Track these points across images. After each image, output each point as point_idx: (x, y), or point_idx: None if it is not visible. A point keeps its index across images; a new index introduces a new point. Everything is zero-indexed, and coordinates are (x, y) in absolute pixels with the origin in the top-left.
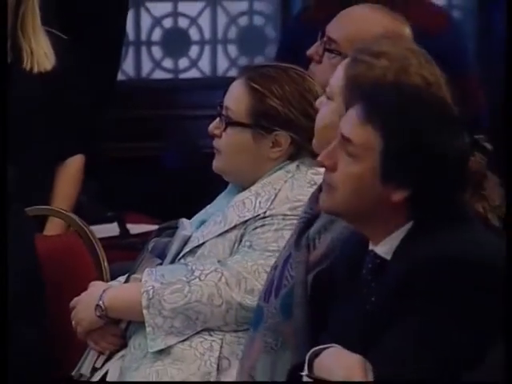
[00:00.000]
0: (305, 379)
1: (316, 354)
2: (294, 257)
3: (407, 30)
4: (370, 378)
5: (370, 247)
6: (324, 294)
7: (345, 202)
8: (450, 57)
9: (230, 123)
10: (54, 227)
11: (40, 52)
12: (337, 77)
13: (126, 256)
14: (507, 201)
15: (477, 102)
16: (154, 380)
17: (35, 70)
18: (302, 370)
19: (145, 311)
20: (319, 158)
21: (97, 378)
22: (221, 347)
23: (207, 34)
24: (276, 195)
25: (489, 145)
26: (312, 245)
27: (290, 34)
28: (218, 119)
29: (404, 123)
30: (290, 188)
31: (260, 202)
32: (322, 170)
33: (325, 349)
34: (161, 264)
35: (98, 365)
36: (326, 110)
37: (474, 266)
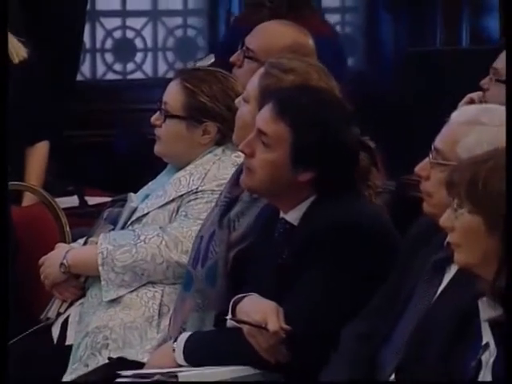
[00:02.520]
0: (228, 322)
1: (237, 301)
2: (217, 234)
3: (310, 41)
4: (282, 320)
5: (281, 215)
6: (243, 267)
7: (261, 182)
8: (336, 61)
9: (168, 116)
10: (28, 200)
11: (15, 45)
12: (252, 84)
13: (84, 223)
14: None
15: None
16: (107, 321)
17: (15, 61)
18: (226, 315)
19: (100, 268)
20: (240, 147)
21: (60, 320)
22: (162, 296)
23: (149, 43)
24: (206, 174)
25: (372, 143)
26: (232, 226)
27: (230, 34)
28: (158, 112)
29: (309, 118)
30: (217, 168)
31: (193, 180)
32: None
33: (245, 297)
34: (113, 230)
35: (61, 310)
36: (243, 111)
37: (363, 229)
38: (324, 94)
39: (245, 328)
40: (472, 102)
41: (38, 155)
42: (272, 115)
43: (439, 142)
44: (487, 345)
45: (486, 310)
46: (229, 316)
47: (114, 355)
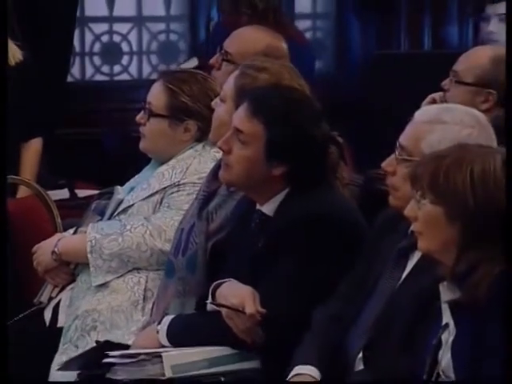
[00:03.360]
0: (208, 306)
1: (217, 287)
2: (197, 226)
3: (283, 45)
4: (258, 304)
5: (257, 207)
6: (221, 256)
7: (238, 177)
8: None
9: (152, 115)
10: (22, 192)
11: (12, 48)
12: (228, 84)
13: (74, 214)
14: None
15: None
16: (95, 305)
17: (12, 63)
18: (206, 300)
19: (89, 255)
20: (218, 144)
21: (52, 304)
22: (146, 282)
23: (135, 47)
24: (187, 168)
25: (341, 139)
26: (211, 218)
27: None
28: (143, 111)
29: (282, 117)
30: (198, 163)
31: (175, 173)
32: None
33: (223, 282)
34: (101, 220)
35: (53, 294)
36: (220, 111)
37: (334, 219)
38: (295, 93)
39: (223, 311)
40: (434, 101)
41: (32, 151)
42: (247, 114)
43: (404, 139)
44: (447, 325)
45: (446, 293)
46: (209, 300)
47: (102, 336)
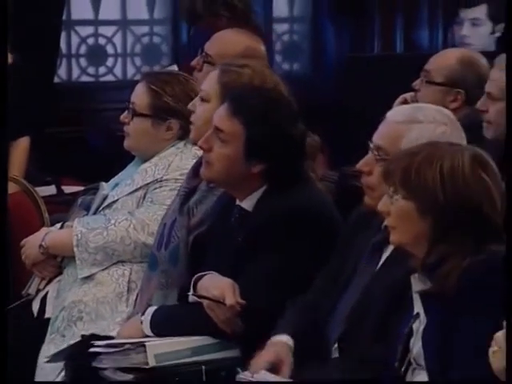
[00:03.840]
0: (190, 297)
1: (198, 279)
2: (178, 221)
3: (262, 47)
4: (238, 295)
5: (237, 203)
6: (202, 249)
7: (219, 174)
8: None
9: (136, 114)
10: (11, 189)
11: None
12: (210, 84)
13: (61, 209)
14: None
15: None
16: (81, 296)
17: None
18: (188, 292)
19: (75, 249)
20: (199, 144)
21: (40, 296)
22: (130, 274)
23: (119, 49)
24: (169, 165)
25: (317, 138)
26: (192, 212)
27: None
28: (127, 111)
29: (260, 117)
30: (179, 160)
31: (158, 170)
32: None
33: (205, 275)
34: (86, 215)
35: (41, 287)
36: (202, 111)
37: (310, 214)
38: (274, 94)
39: (205, 302)
40: (405, 101)
41: (20, 149)
42: (227, 114)
43: (380, 139)
44: (418, 315)
45: (418, 284)
46: (191, 292)
47: (88, 327)
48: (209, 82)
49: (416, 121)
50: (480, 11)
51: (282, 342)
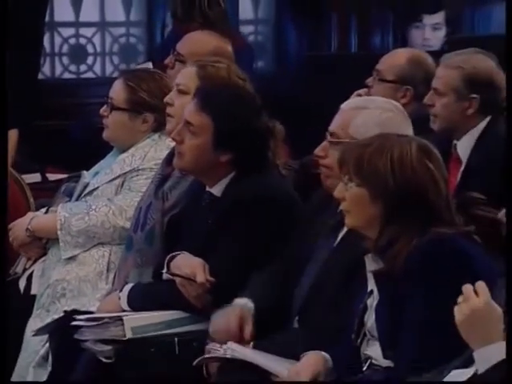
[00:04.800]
0: (164, 275)
1: (171, 258)
2: (153, 204)
3: (229, 47)
4: (207, 273)
5: (207, 189)
6: (175, 231)
7: (190, 163)
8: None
9: (114, 108)
10: None
11: None
12: (189, 78)
13: (46, 195)
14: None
15: None
16: (64, 275)
17: None
18: (162, 270)
19: (59, 232)
20: (171, 136)
21: (26, 274)
22: (109, 255)
23: (99, 49)
24: (145, 155)
25: (281, 127)
26: (166, 197)
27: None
28: (106, 105)
29: (227, 110)
30: (154, 150)
31: (135, 160)
32: None
33: (177, 254)
34: (69, 201)
35: (27, 266)
36: (181, 103)
37: (274, 199)
38: (239, 89)
39: (177, 280)
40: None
41: (9, 140)
42: (196, 109)
43: (333, 126)
44: (371, 292)
45: (371, 264)
46: (164, 270)
47: (71, 303)
48: (187, 76)
49: (363, 107)
50: (439, 17)
51: (241, 304)
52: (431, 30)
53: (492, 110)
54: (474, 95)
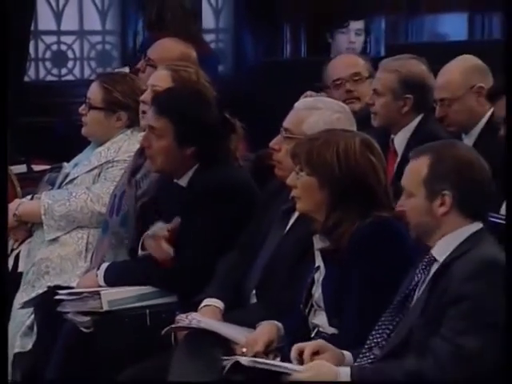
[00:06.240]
0: (139, 252)
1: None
2: (127, 192)
3: (193, 53)
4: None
5: (175, 181)
6: (146, 215)
7: (160, 163)
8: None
9: (91, 107)
10: None
11: None
12: (163, 80)
13: (31, 184)
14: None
15: None
16: (48, 255)
17: None
18: (137, 252)
19: (43, 217)
20: (141, 143)
21: (14, 254)
22: (88, 237)
23: (78, 54)
24: (120, 148)
25: (240, 124)
26: (138, 185)
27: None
28: (84, 105)
29: (184, 112)
30: (127, 144)
31: (110, 153)
32: None
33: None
34: (52, 189)
35: (14, 247)
36: None
37: (233, 187)
38: (197, 91)
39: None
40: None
41: None
42: (155, 115)
43: (287, 123)
44: (318, 267)
45: (318, 243)
46: (140, 249)
47: (54, 279)
48: (163, 79)
49: (316, 108)
50: (360, 24)
51: (213, 305)
52: (355, 35)
53: (424, 108)
54: (409, 95)
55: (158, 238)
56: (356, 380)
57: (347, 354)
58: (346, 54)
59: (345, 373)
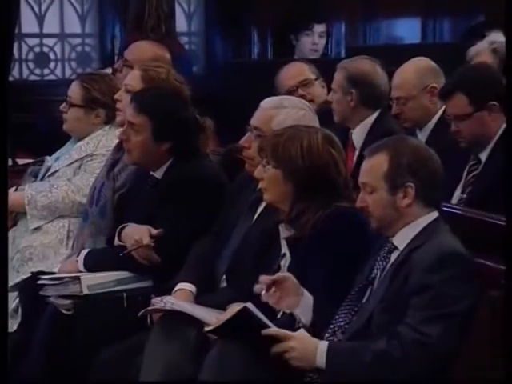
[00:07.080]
0: (115, 242)
1: (122, 228)
2: (106, 184)
3: (167, 54)
4: (154, 233)
5: (151, 173)
6: (124, 206)
7: (138, 158)
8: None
9: (72, 105)
10: None
11: None
12: (135, 79)
13: (15, 177)
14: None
15: None
16: (31, 242)
17: None
18: (113, 240)
19: (26, 207)
20: (118, 136)
21: None
22: (69, 226)
23: (59, 56)
24: (98, 143)
25: (210, 121)
26: (116, 178)
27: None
28: (65, 103)
29: (161, 109)
30: (106, 139)
31: (90, 147)
32: None
33: (126, 225)
34: (35, 181)
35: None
36: (128, 100)
37: (205, 180)
38: (172, 90)
39: (128, 245)
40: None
41: None
42: (134, 111)
43: (256, 122)
44: (284, 254)
45: (284, 231)
46: (116, 239)
47: (37, 265)
48: (133, 78)
49: (282, 106)
50: (323, 27)
51: (186, 289)
52: (318, 36)
53: (377, 105)
54: (352, 89)
55: (147, 248)
56: (332, 353)
57: (305, 291)
58: (292, 64)
59: (324, 344)
